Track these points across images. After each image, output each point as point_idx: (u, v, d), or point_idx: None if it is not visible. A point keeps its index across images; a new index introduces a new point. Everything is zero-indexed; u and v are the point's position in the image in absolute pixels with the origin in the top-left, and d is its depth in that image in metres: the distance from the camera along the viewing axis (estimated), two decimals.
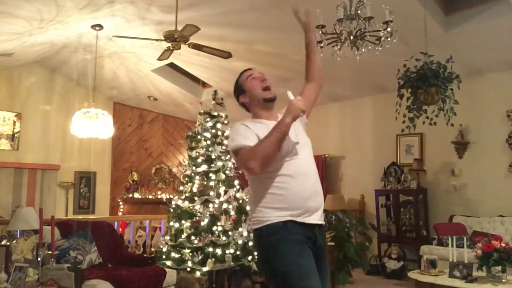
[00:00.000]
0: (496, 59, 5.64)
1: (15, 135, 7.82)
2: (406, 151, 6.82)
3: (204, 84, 8.11)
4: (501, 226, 5.50)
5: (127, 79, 8.06)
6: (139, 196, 8.93)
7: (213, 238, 4.80)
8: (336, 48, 3.76)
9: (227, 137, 5.34)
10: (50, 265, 3.25)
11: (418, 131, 5.23)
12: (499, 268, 3.67)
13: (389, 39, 3.61)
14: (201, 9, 5.16)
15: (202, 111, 5.45)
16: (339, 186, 7.59)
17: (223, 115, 5.39)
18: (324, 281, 2.00)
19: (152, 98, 8.88)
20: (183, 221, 5.00)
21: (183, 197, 5.13)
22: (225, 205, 5.00)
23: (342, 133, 7.61)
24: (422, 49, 4.36)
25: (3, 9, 5.05)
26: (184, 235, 4.90)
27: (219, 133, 5.29)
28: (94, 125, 6.19)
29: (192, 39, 4.93)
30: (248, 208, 5.14)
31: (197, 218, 5.01)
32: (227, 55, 5.25)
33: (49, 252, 3.13)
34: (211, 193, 5.02)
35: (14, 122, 7.82)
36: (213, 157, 5.13)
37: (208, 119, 5.30)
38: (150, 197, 8.97)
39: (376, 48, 3.72)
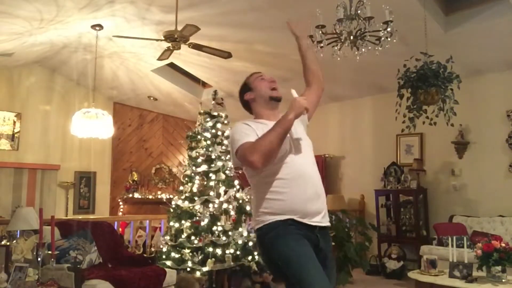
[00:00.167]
0: (496, 59, 5.64)
1: (15, 135, 7.82)
2: (406, 151, 6.82)
3: (204, 84, 8.12)
4: (501, 226, 5.50)
5: (127, 79, 8.06)
6: (139, 196, 8.93)
7: (213, 238, 4.80)
8: (336, 48, 3.76)
9: (227, 137, 5.35)
10: (50, 265, 3.25)
11: (418, 131, 5.23)
12: (499, 268, 3.67)
13: (389, 39, 3.61)
14: (201, 9, 5.16)
15: (202, 111, 5.46)
16: (339, 186, 7.59)
17: (223, 115, 5.39)
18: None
19: (152, 98, 8.88)
20: (183, 221, 5.00)
21: (183, 197, 5.13)
22: (225, 205, 5.00)
23: (342, 133, 7.61)
24: (422, 49, 4.36)
25: (3, 9, 5.05)
26: (184, 235, 4.90)
27: (219, 133, 5.29)
28: (94, 125, 6.19)
29: (192, 39, 4.93)
30: (248, 208, 5.16)
31: (197, 218, 5.01)
32: (227, 55, 5.25)
33: (49, 252, 3.13)
34: (211, 193, 5.02)
35: (14, 122, 7.82)
36: (213, 157, 5.13)
37: (208, 119, 5.30)
38: (150, 197, 8.97)
39: (376, 48, 3.72)
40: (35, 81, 8.04)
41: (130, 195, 8.89)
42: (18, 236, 4.08)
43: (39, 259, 2.97)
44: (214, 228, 4.88)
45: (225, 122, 5.38)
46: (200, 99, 8.06)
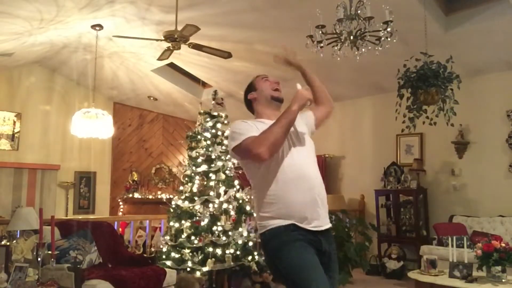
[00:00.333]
0: (496, 59, 5.64)
1: (15, 135, 7.82)
2: (406, 151, 6.82)
3: (204, 84, 8.12)
4: (501, 226, 5.50)
5: (127, 79, 8.06)
6: (139, 196, 8.93)
7: (213, 238, 4.80)
8: (336, 48, 3.76)
9: (227, 137, 5.32)
10: (50, 265, 3.24)
11: (418, 131, 5.23)
12: (499, 268, 3.67)
13: (389, 39, 3.61)
14: (201, 9, 5.16)
15: (202, 111, 5.46)
16: (339, 186, 7.59)
17: (223, 115, 5.39)
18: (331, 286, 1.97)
19: (152, 98, 8.88)
20: (183, 221, 5.00)
21: (183, 197, 5.13)
22: (225, 205, 5.00)
23: (342, 133, 7.61)
24: (422, 49, 4.36)
25: (3, 9, 5.05)
26: (184, 235, 4.90)
27: (219, 133, 5.29)
28: (94, 125, 6.18)
29: (192, 39, 4.93)
30: (248, 208, 5.16)
31: (197, 218, 5.01)
32: (227, 55, 5.25)
33: (49, 252, 3.13)
34: (211, 193, 5.02)
35: (14, 122, 7.82)
36: (213, 157, 5.13)
37: (208, 119, 5.30)
38: (150, 197, 8.97)
39: (376, 48, 3.72)
40: (35, 81, 8.04)
41: (130, 195, 8.89)
42: (18, 236, 4.07)
43: (39, 259, 2.97)
44: (214, 228, 4.88)
45: (225, 122, 5.38)
46: (200, 99, 8.06)
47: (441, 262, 4.17)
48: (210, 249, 4.76)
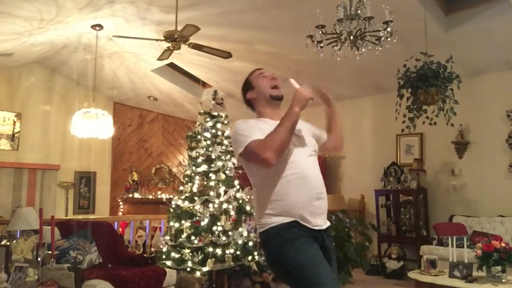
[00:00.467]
0: (496, 59, 5.64)
1: (15, 135, 7.82)
2: (406, 151, 6.82)
3: (204, 84, 8.12)
4: (501, 226, 5.50)
5: (127, 79, 8.06)
6: (139, 196, 8.93)
7: (213, 238, 4.80)
8: (336, 48, 3.76)
9: (227, 137, 5.35)
10: (50, 265, 3.24)
11: (418, 131, 5.23)
12: (499, 268, 3.67)
13: (389, 39, 3.61)
14: (201, 9, 5.16)
15: (202, 111, 5.46)
16: (339, 186, 7.59)
17: (223, 115, 5.39)
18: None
19: (152, 98, 8.89)
20: (183, 221, 5.00)
21: (183, 197, 5.13)
22: (225, 205, 5.00)
23: (342, 133, 7.59)
24: (422, 49, 4.36)
25: (3, 9, 5.05)
26: (184, 235, 4.90)
27: (219, 133, 5.29)
28: (94, 125, 6.18)
29: (192, 39, 4.93)
30: (248, 208, 5.15)
31: (197, 218, 5.01)
32: (227, 55, 5.25)
33: (49, 252, 3.13)
34: (211, 193, 5.02)
35: (14, 122, 7.82)
36: (213, 157, 5.13)
37: (208, 119, 5.30)
38: (150, 197, 8.97)
39: (376, 48, 3.72)
40: (35, 81, 8.04)
41: (130, 195, 8.90)
42: (18, 236, 4.07)
43: (39, 259, 2.97)
44: (214, 228, 4.88)
45: (225, 122, 5.38)
46: (200, 99, 8.06)
47: (441, 262, 4.17)
48: (210, 249, 4.76)
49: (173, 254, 4.86)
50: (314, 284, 1.83)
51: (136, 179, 9.15)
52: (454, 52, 4.44)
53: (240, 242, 4.91)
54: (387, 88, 6.26)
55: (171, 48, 5.00)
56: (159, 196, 8.73)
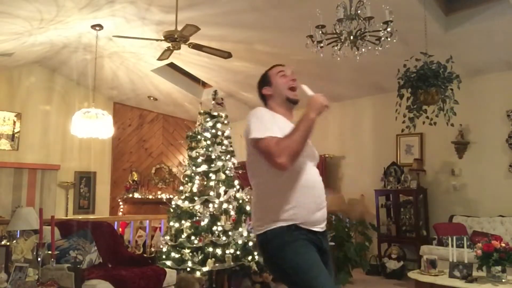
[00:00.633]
0: (496, 59, 5.64)
1: (15, 135, 7.82)
2: (406, 151, 6.81)
3: (204, 84, 8.12)
4: (501, 226, 5.50)
5: (127, 79, 8.07)
6: (139, 196, 8.93)
7: (213, 238, 4.80)
8: (336, 48, 3.76)
9: (227, 137, 5.35)
10: (50, 265, 3.24)
11: (418, 131, 5.23)
12: (499, 268, 3.67)
13: (389, 39, 3.61)
14: (201, 9, 5.16)
15: (202, 111, 5.46)
16: (339, 186, 7.59)
17: (223, 115, 5.39)
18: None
19: (152, 98, 8.89)
20: (183, 221, 5.00)
21: (183, 197, 5.13)
22: (225, 205, 5.00)
23: (342, 133, 7.61)
24: (422, 49, 4.36)
25: (3, 9, 5.05)
26: (184, 235, 4.90)
27: (219, 133, 5.29)
28: (94, 125, 6.19)
29: (192, 39, 4.93)
30: (248, 208, 5.15)
31: (197, 218, 5.01)
32: (227, 55, 5.25)
33: (49, 252, 3.13)
34: (211, 193, 5.02)
35: (14, 122, 7.82)
36: (213, 157, 5.13)
37: (208, 119, 5.30)
38: (150, 197, 8.97)
39: (376, 48, 3.72)
40: (35, 81, 8.05)
41: (130, 195, 8.90)
42: (18, 236, 4.07)
43: (39, 259, 2.97)
44: (214, 228, 4.88)
45: (225, 122, 5.38)
46: (200, 99, 8.06)
47: (441, 262, 4.17)
48: (210, 249, 4.76)
49: (173, 254, 4.86)
50: (313, 287, 1.84)
51: (136, 179, 9.15)
52: (454, 52, 4.44)
53: (240, 242, 4.91)
54: (387, 88, 6.26)
55: (171, 48, 5.00)
56: (159, 196, 8.74)
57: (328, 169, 7.60)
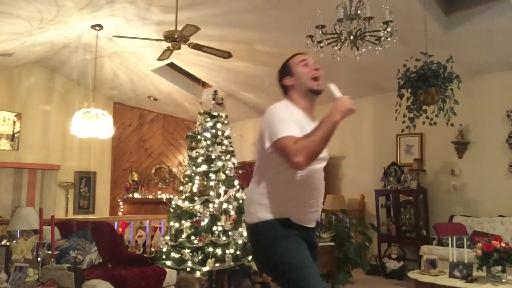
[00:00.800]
0: (496, 59, 5.64)
1: (15, 135, 7.82)
2: (406, 151, 6.81)
3: (204, 84, 8.12)
4: (501, 226, 5.50)
5: (127, 79, 8.07)
6: (139, 196, 8.94)
7: (213, 238, 4.80)
8: (336, 48, 3.76)
9: (227, 137, 5.35)
10: (50, 265, 3.24)
11: (418, 131, 5.23)
12: (499, 268, 3.67)
13: (389, 39, 3.61)
14: (201, 9, 5.16)
15: (202, 111, 5.45)
16: (339, 186, 7.59)
17: (223, 115, 5.38)
18: None
19: (152, 98, 8.89)
20: (183, 221, 5.00)
21: (183, 197, 5.13)
22: (225, 205, 5.00)
23: (342, 133, 7.59)
24: (422, 49, 4.36)
25: (3, 9, 5.05)
26: (184, 235, 4.89)
27: (219, 133, 5.29)
28: (94, 125, 6.19)
29: (192, 39, 4.93)
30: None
31: (197, 218, 5.01)
32: (227, 55, 5.26)
33: (49, 252, 3.13)
34: (211, 193, 5.02)
35: (14, 122, 7.82)
36: (213, 157, 5.13)
37: (208, 119, 5.30)
38: (150, 197, 8.97)
39: (376, 48, 3.72)
40: (35, 81, 8.05)
41: (130, 195, 8.90)
42: (18, 236, 4.07)
43: (39, 259, 2.97)
44: (214, 228, 4.88)
45: (225, 122, 5.38)
46: (200, 99, 8.06)
47: (441, 262, 4.17)
48: (210, 249, 4.76)
49: (173, 254, 4.86)
50: (302, 285, 1.85)
51: (136, 179, 9.16)
52: (454, 52, 4.45)
53: (240, 242, 4.90)
54: (387, 88, 6.26)
55: (171, 48, 5.00)
56: (159, 196, 8.74)
57: (328, 169, 7.54)
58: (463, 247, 4.43)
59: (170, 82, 7.93)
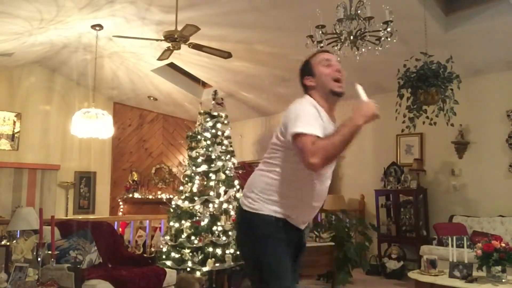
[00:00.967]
0: (496, 59, 5.64)
1: (15, 135, 7.82)
2: (406, 151, 6.81)
3: (204, 84, 8.12)
4: (501, 226, 5.50)
5: (127, 79, 8.07)
6: (139, 196, 8.94)
7: (213, 238, 4.81)
8: (336, 48, 3.76)
9: (227, 137, 5.35)
10: (50, 265, 3.25)
11: (418, 131, 5.23)
12: (499, 268, 3.67)
13: (389, 39, 3.62)
14: (201, 9, 5.16)
15: (202, 111, 5.46)
16: (339, 186, 7.59)
17: (223, 115, 5.39)
18: (294, 273, 2.04)
19: (152, 98, 8.89)
20: (183, 221, 5.00)
21: (183, 197, 5.13)
22: (225, 205, 5.00)
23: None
24: (422, 49, 4.36)
25: (3, 9, 5.05)
26: (184, 235, 4.90)
27: (219, 133, 5.29)
28: (94, 125, 6.19)
29: (192, 39, 4.93)
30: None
31: (197, 218, 5.01)
32: (227, 55, 5.26)
33: (49, 252, 3.13)
34: (211, 193, 5.03)
35: (14, 122, 7.82)
36: (213, 157, 5.14)
37: (208, 119, 5.30)
38: (150, 197, 8.97)
39: (376, 48, 3.72)
40: (35, 81, 8.05)
41: (130, 195, 8.90)
42: (18, 236, 4.08)
43: (39, 259, 2.97)
44: (214, 228, 4.88)
45: (225, 122, 5.38)
46: (200, 99, 8.06)
47: (441, 262, 4.17)
48: (210, 249, 4.76)
49: (173, 254, 4.86)
50: (270, 285, 1.88)
51: (136, 179, 9.16)
52: (454, 52, 4.45)
53: None
54: (387, 88, 6.26)
55: (171, 48, 5.00)
56: (159, 196, 8.74)
57: None
58: (463, 247, 4.43)
59: (170, 82, 7.93)
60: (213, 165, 5.12)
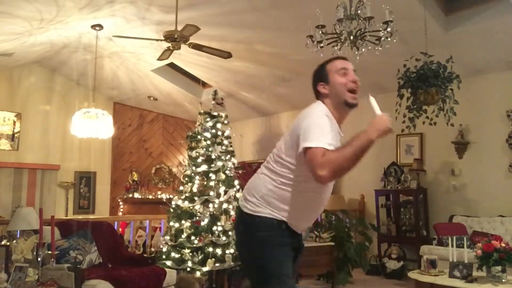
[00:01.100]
0: (496, 59, 5.64)
1: (15, 135, 7.82)
2: (406, 151, 6.82)
3: (204, 84, 8.12)
4: (501, 226, 5.50)
5: (127, 79, 8.07)
6: (139, 196, 8.94)
7: (213, 238, 4.81)
8: (336, 48, 3.76)
9: (227, 137, 5.35)
10: (50, 265, 3.24)
11: (418, 131, 5.23)
12: (499, 268, 3.67)
13: (389, 39, 3.62)
14: (201, 9, 5.16)
15: (202, 111, 5.46)
16: (339, 186, 7.58)
17: (223, 115, 5.39)
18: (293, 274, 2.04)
19: (152, 98, 8.89)
20: (183, 221, 5.00)
21: (183, 197, 5.13)
22: (225, 205, 5.00)
23: (342, 133, 7.59)
24: (422, 49, 4.36)
25: (3, 9, 5.05)
26: (184, 235, 4.90)
27: (219, 133, 5.29)
28: (94, 125, 6.19)
29: (192, 39, 4.93)
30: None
31: (197, 218, 5.01)
32: (227, 55, 5.26)
33: (49, 252, 3.13)
34: (211, 193, 5.03)
35: (14, 122, 7.82)
36: (213, 157, 5.14)
37: (208, 119, 5.30)
38: (150, 197, 8.97)
39: (376, 48, 3.72)
40: (35, 81, 8.05)
41: (130, 195, 8.90)
42: (18, 236, 4.07)
43: (39, 259, 2.97)
44: (214, 228, 4.88)
45: (225, 122, 5.39)
46: (200, 99, 8.06)
47: (441, 262, 4.17)
48: (210, 249, 4.76)
49: (173, 254, 4.86)
50: None
51: (136, 179, 9.16)
52: (454, 52, 4.45)
53: None
54: (387, 88, 6.26)
55: (171, 48, 5.00)
56: (159, 196, 8.74)
57: None
58: (463, 247, 4.43)
59: (170, 82, 7.93)
60: (213, 165, 5.12)
